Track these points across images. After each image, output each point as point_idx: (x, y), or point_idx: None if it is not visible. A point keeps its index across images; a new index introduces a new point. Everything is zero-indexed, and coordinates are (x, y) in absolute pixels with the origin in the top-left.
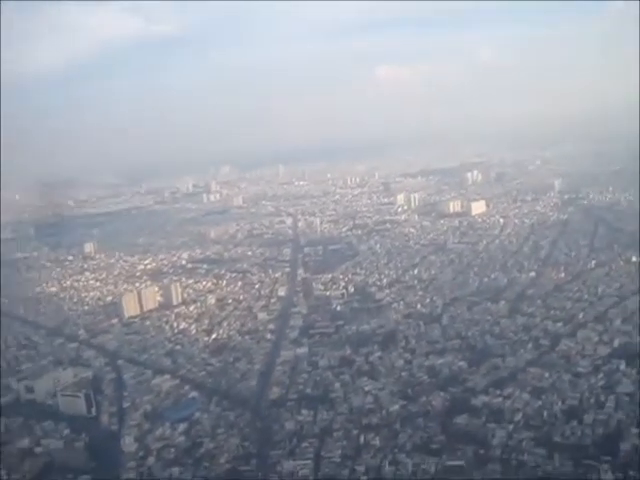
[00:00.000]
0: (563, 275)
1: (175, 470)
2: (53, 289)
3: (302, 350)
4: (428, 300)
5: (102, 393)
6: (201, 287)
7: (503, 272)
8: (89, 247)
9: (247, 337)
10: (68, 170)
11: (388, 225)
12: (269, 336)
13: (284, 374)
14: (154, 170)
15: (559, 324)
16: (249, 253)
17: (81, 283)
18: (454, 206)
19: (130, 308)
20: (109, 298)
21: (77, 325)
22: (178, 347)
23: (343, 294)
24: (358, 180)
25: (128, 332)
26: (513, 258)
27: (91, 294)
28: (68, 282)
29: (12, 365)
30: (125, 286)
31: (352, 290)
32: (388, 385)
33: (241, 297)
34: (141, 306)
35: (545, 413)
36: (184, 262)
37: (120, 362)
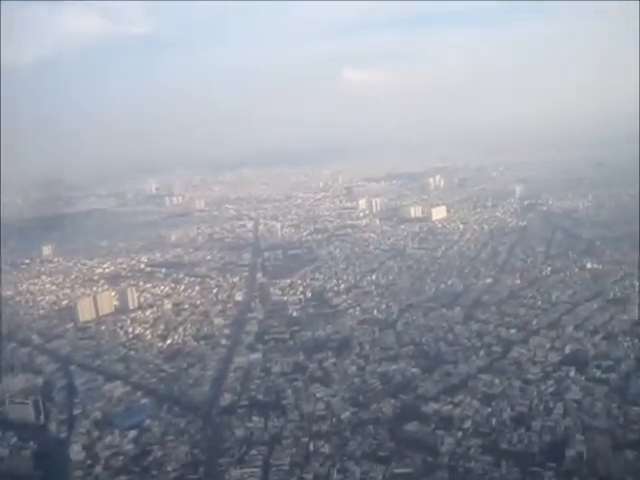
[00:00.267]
0: (519, 282)
1: (122, 479)
2: (8, 293)
3: (256, 356)
4: (384, 306)
5: (53, 400)
6: (159, 291)
7: (460, 278)
8: (47, 250)
9: (202, 342)
10: (30, 173)
11: (349, 230)
12: (224, 342)
13: (236, 380)
14: (118, 172)
15: (512, 331)
16: (209, 257)
17: (37, 287)
18: (415, 211)
19: (85, 313)
20: (65, 302)
21: (31, 330)
22: (132, 353)
23: (300, 299)
24: (322, 184)
25: (82, 337)
26: (470, 264)
27: (47, 298)
28: (24, 286)
29: None
30: (82, 290)
31: (309, 295)
32: (340, 392)
33: (198, 302)
34: (97, 311)
35: (494, 420)
36: (143, 266)
37: (72, 368)
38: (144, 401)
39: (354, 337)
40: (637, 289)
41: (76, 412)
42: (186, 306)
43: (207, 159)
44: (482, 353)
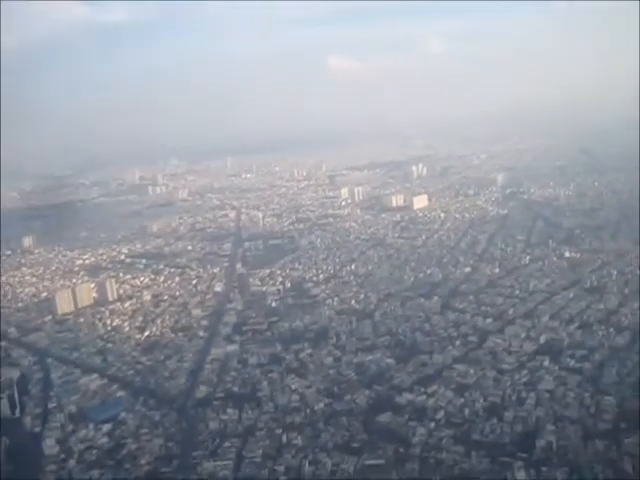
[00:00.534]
0: (497, 270)
1: (95, 472)
2: None
3: (233, 347)
4: (362, 296)
5: (28, 393)
6: (138, 283)
7: (439, 267)
8: (28, 241)
9: (180, 334)
10: (12, 162)
11: (330, 219)
12: (202, 333)
13: (213, 372)
14: (102, 161)
15: (489, 320)
16: (189, 247)
17: (17, 279)
18: (397, 200)
19: (64, 305)
20: (44, 294)
21: (8, 323)
22: (109, 345)
23: (279, 290)
24: (305, 173)
25: (60, 330)
26: (450, 253)
27: (26, 290)
28: (3, 278)
29: None
30: (62, 282)
31: (289, 286)
32: (315, 383)
33: (177, 293)
34: (75, 303)
35: (467, 411)
36: (123, 257)
37: (49, 361)
38: (120, 394)
39: (331, 327)
40: (614, 277)
41: (51, 406)
42: (165, 297)
43: (191, 148)
44: (458, 343)
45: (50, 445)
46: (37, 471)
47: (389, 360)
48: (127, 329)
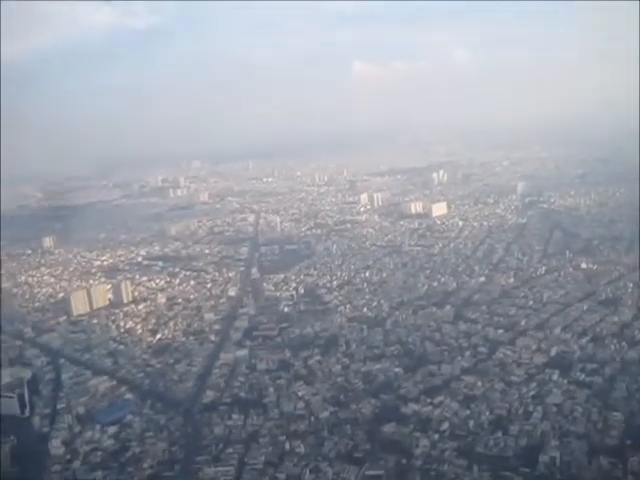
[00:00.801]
0: (512, 280)
1: (99, 474)
2: (6, 285)
3: (242, 353)
4: (375, 304)
5: (39, 393)
6: (154, 285)
7: (453, 276)
8: (48, 242)
9: (191, 338)
10: (38, 163)
11: (348, 225)
12: (213, 337)
13: (221, 377)
14: (126, 163)
15: (500, 331)
16: (207, 251)
17: (35, 279)
18: (416, 207)
19: (79, 306)
20: (61, 295)
21: (24, 323)
22: (121, 347)
23: (293, 295)
24: (326, 178)
25: (74, 330)
26: (465, 262)
27: (44, 290)
28: (23, 277)
29: None
30: (79, 283)
31: (302, 292)
32: (322, 391)
33: (192, 296)
34: (90, 304)
35: (472, 423)
36: (140, 259)
37: (62, 362)
38: (128, 396)
39: (342, 335)
40: (630, 290)
41: (60, 406)
42: (179, 300)
43: (214, 151)
44: (468, 354)
45: (56, 446)
46: (42, 471)
47: (397, 369)
48: (140, 331)
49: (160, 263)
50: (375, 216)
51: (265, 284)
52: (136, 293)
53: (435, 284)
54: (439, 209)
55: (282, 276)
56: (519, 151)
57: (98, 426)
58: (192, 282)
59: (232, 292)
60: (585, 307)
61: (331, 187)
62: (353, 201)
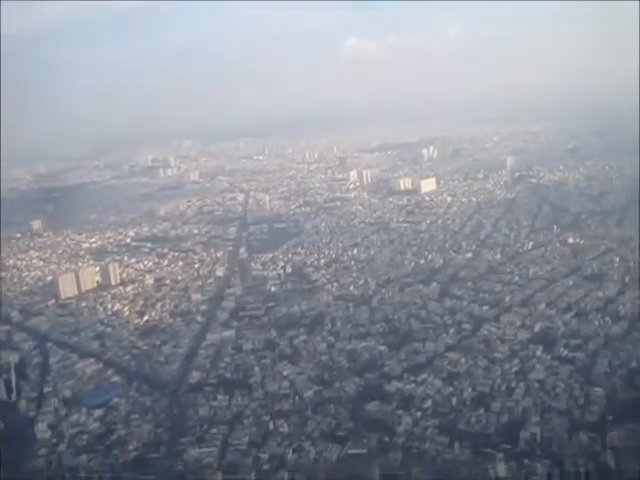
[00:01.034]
0: (499, 256)
1: (84, 457)
2: None
3: (229, 333)
4: (362, 281)
5: (26, 377)
6: (142, 267)
7: (440, 253)
8: (37, 224)
9: (178, 319)
10: (29, 145)
11: (337, 202)
12: (199, 318)
13: (207, 358)
14: (118, 143)
15: (485, 307)
16: (195, 231)
17: (24, 262)
18: (405, 183)
19: (67, 289)
20: (49, 278)
21: (12, 306)
22: (109, 329)
23: (280, 275)
24: (317, 155)
25: (62, 314)
26: (453, 238)
27: (32, 274)
28: (11, 261)
29: None
30: (67, 265)
31: (289, 270)
32: (307, 370)
33: (179, 277)
34: (79, 286)
35: (454, 400)
36: (129, 240)
37: (49, 345)
38: (114, 379)
39: (328, 313)
40: (616, 265)
41: (47, 390)
42: (167, 282)
43: (205, 129)
44: (452, 331)
45: (42, 429)
46: (28, 455)
47: (382, 347)
48: (127, 313)
49: (149, 244)
50: (364, 193)
51: (253, 264)
52: (124, 275)
53: (422, 261)
54: (428, 185)
55: (270, 255)
56: (511, 125)
57: (84, 409)
58: (180, 263)
59: (220, 272)
60: (570, 282)
61: (321, 164)
62: (343, 178)
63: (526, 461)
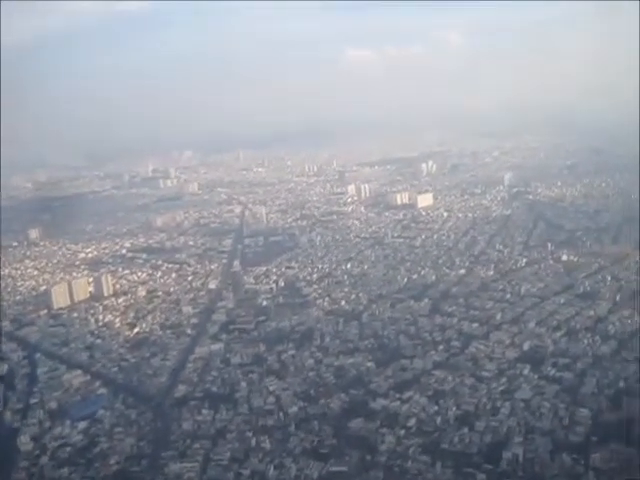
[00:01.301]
0: (491, 273)
1: (65, 470)
2: None
3: (217, 347)
4: (353, 296)
5: (14, 388)
6: (135, 278)
7: (433, 269)
8: (34, 233)
9: (168, 332)
10: (31, 152)
11: (334, 216)
12: (189, 331)
13: (194, 371)
14: (119, 153)
15: (475, 325)
16: (191, 243)
17: (19, 271)
18: (402, 198)
19: (60, 299)
20: (43, 288)
21: (4, 316)
22: (98, 341)
23: (272, 288)
24: (316, 168)
25: (53, 324)
26: (447, 254)
27: (26, 283)
28: (6, 270)
29: None
30: (62, 275)
31: (282, 284)
32: (293, 385)
33: (172, 289)
34: (71, 297)
35: (439, 419)
36: (125, 251)
37: (38, 356)
38: (101, 391)
39: (317, 329)
40: (608, 283)
41: (33, 401)
42: (159, 293)
43: (205, 140)
44: (441, 348)
45: (25, 442)
46: (9, 467)
47: (369, 364)
48: (118, 325)
49: (144, 255)
50: (361, 207)
51: (246, 277)
52: (117, 286)
53: (415, 276)
54: (425, 200)
55: (264, 268)
56: (510, 140)
57: (68, 421)
58: (174, 275)
59: (212, 285)
60: (562, 300)
61: (320, 177)
62: (341, 192)
63: None
